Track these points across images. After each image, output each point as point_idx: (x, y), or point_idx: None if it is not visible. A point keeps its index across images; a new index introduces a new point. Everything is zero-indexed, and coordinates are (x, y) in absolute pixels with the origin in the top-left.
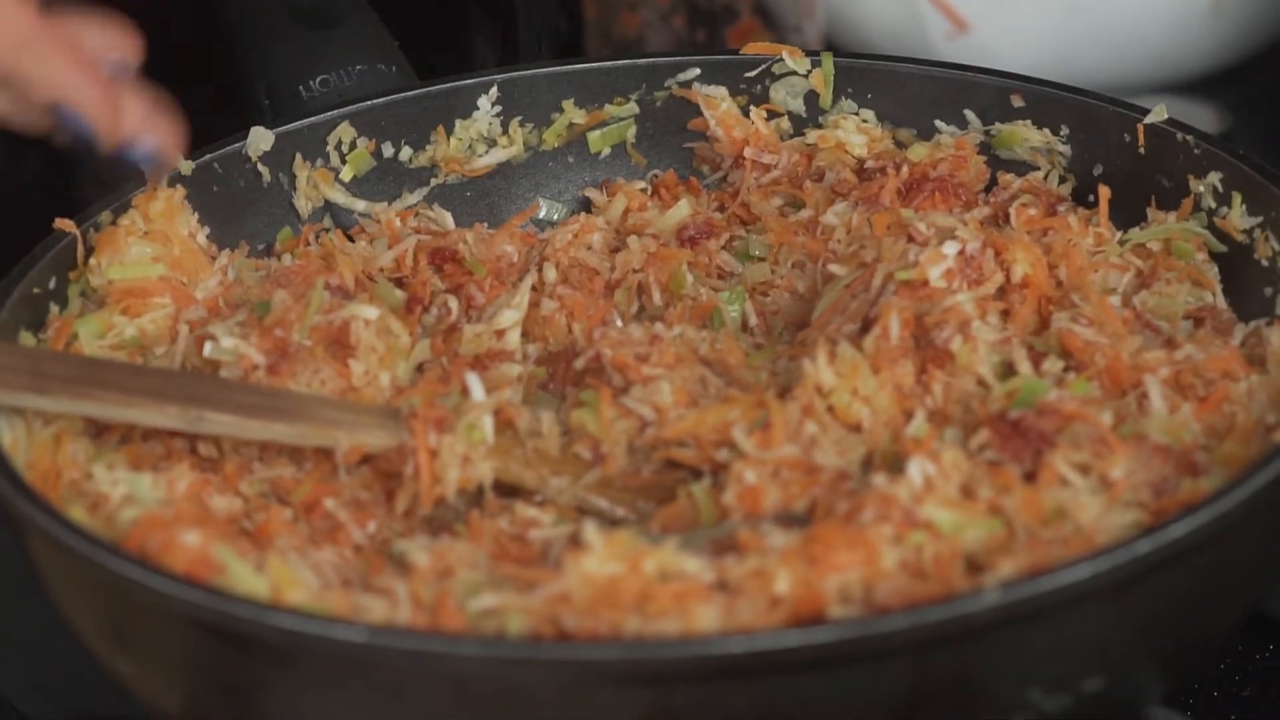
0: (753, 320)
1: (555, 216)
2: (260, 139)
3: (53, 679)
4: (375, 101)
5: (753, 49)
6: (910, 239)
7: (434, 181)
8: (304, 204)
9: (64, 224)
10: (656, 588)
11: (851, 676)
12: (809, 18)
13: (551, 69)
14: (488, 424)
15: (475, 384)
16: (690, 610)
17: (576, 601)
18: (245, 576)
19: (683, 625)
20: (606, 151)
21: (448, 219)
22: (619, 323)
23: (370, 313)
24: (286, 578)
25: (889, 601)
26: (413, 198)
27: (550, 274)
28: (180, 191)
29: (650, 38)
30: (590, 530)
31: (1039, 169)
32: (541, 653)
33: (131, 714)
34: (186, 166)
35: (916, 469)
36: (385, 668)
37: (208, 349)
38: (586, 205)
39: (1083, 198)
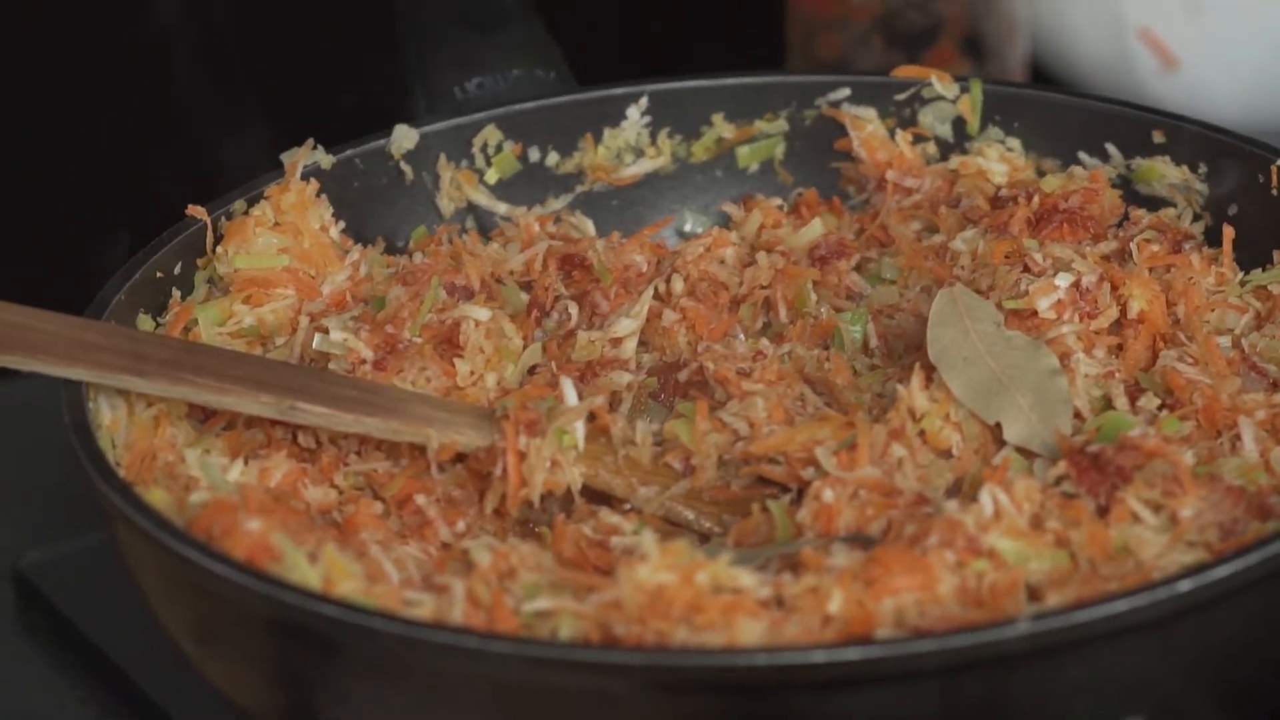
0: (874, 342)
1: (700, 230)
2: (404, 137)
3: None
4: (523, 105)
5: (902, 72)
6: (1026, 269)
7: (579, 188)
8: (446, 204)
9: (195, 210)
10: (707, 600)
11: (881, 699)
12: (1010, 44)
13: (702, 82)
14: (579, 430)
15: (569, 389)
16: (735, 623)
17: (627, 609)
18: (300, 565)
19: (727, 638)
20: (755, 167)
21: (589, 226)
22: (741, 338)
23: (481, 314)
24: (339, 568)
25: (931, 626)
26: (557, 203)
27: (678, 285)
28: (314, 185)
29: (851, 59)
30: (646, 540)
31: (1175, 206)
32: (563, 655)
33: None
34: (326, 160)
35: (988, 497)
36: (423, 663)
37: (317, 341)
38: (730, 220)
39: (1216, 237)
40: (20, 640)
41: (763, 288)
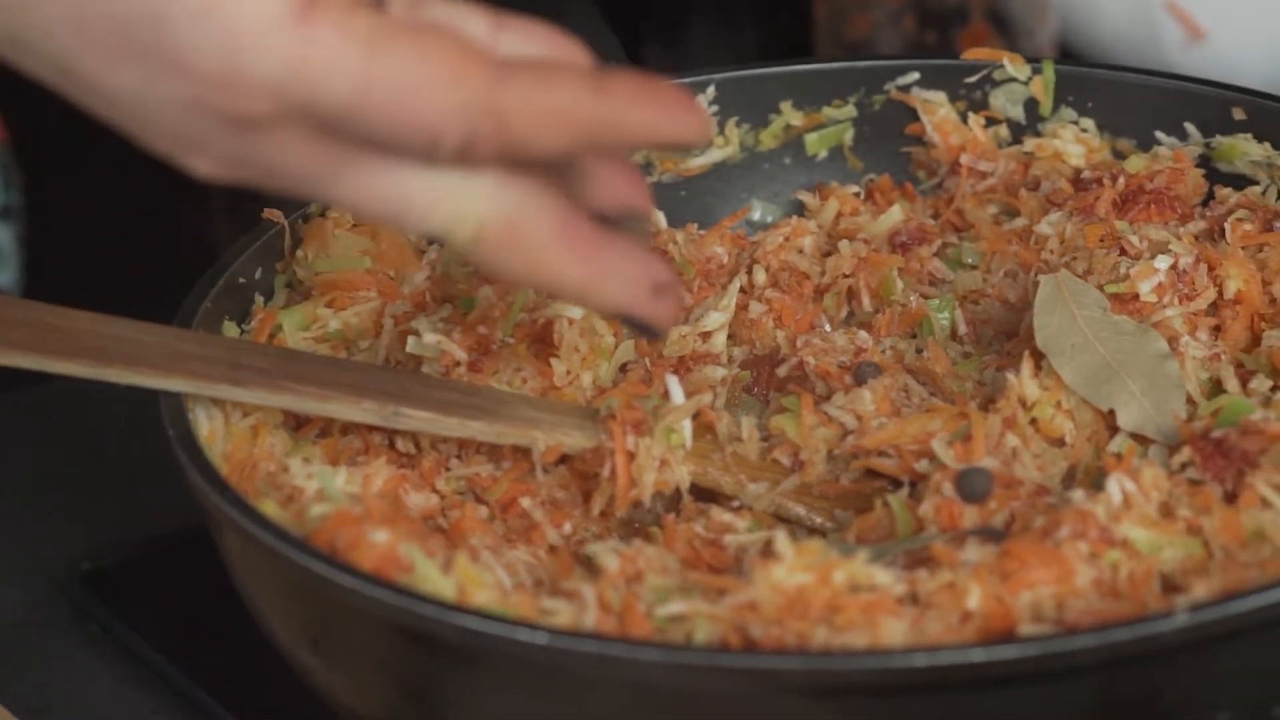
0: (962, 329)
1: (769, 219)
2: None
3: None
4: None
5: (974, 54)
6: (1123, 252)
7: (647, 180)
8: None
9: (272, 214)
10: (845, 599)
11: (1037, 695)
12: (1041, 22)
13: (770, 69)
14: (687, 427)
15: (675, 387)
16: (878, 623)
17: (764, 611)
18: (432, 576)
19: (870, 638)
20: (823, 154)
21: (660, 219)
22: (827, 327)
23: (574, 312)
24: (473, 578)
25: (1079, 620)
26: None
27: (760, 277)
28: None
29: (881, 40)
30: (781, 540)
31: (1259, 184)
32: (723, 661)
33: None
34: None
35: (1115, 486)
36: (567, 672)
37: (410, 344)
38: (801, 208)
39: None
40: (83, 648)
41: (845, 276)
